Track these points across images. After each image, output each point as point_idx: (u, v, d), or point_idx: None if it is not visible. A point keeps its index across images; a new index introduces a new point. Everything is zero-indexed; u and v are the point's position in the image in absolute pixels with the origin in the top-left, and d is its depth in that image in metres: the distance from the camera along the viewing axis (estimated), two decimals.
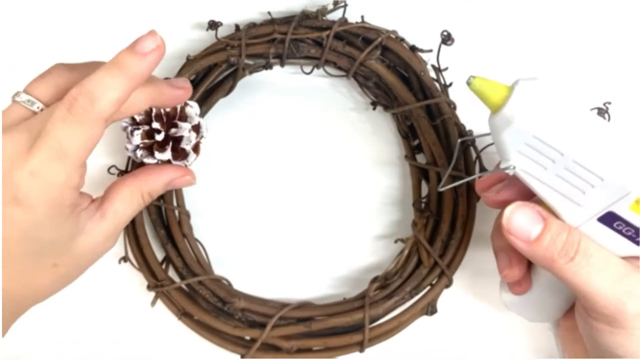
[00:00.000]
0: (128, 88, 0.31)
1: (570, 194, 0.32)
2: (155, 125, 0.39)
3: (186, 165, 0.40)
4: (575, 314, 0.37)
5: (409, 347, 0.46)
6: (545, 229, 0.32)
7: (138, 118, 0.39)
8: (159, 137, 0.39)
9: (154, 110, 0.39)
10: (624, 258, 0.33)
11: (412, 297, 0.44)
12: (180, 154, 0.39)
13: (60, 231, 0.32)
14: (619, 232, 0.32)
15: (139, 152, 0.39)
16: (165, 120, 0.40)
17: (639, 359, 0.33)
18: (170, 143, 0.39)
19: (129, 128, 0.39)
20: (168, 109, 0.39)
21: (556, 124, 0.30)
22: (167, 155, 0.39)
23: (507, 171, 0.32)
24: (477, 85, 0.31)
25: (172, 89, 0.35)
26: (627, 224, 0.32)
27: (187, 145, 0.39)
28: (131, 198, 0.36)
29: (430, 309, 0.44)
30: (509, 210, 0.32)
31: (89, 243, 0.34)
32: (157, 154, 0.39)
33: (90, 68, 0.32)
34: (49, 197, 0.30)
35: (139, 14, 0.48)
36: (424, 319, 0.44)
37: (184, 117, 0.40)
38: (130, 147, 0.40)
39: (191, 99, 0.43)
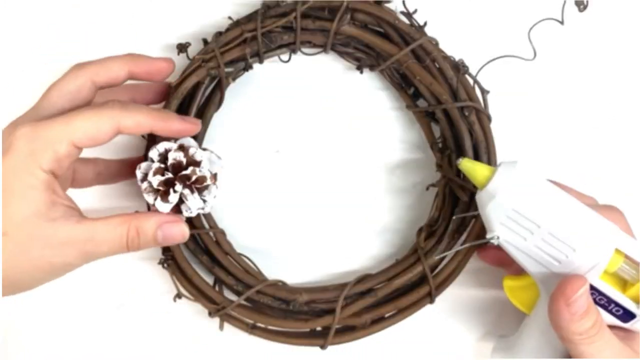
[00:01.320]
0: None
1: (548, 264, 0.36)
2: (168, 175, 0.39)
3: (205, 201, 0.39)
4: None
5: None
6: (587, 310, 0.35)
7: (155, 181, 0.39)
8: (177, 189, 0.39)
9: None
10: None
11: (461, 234, 0.44)
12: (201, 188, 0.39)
13: (24, 193, 0.33)
14: (595, 301, 0.36)
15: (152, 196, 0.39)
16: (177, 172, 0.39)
17: None
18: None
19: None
20: (178, 159, 0.39)
21: (533, 199, 0.35)
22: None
23: (492, 241, 0.37)
24: (465, 166, 0.38)
25: (152, 59, 0.39)
26: (599, 292, 0.36)
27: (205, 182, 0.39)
28: (116, 226, 0.35)
29: (485, 239, 0.44)
30: (580, 292, 0.35)
31: (50, 235, 0.34)
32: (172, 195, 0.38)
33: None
34: None
35: (107, 49, 0.48)
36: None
37: (194, 164, 0.40)
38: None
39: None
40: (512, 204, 0.35)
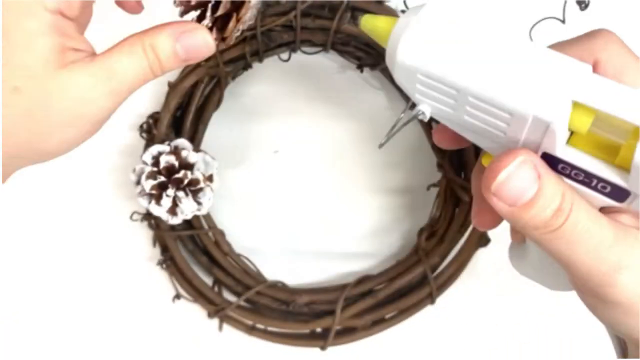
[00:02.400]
0: None
1: (492, 137, 0.26)
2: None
3: (200, 203, 0.39)
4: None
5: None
6: (539, 193, 0.25)
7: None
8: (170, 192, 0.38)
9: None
10: (603, 211, 0.27)
11: (462, 234, 0.44)
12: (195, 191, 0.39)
13: (28, 41, 0.28)
14: (569, 177, 0.26)
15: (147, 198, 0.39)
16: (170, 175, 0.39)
17: None
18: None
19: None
20: (170, 162, 0.38)
21: (442, 54, 0.25)
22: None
23: (420, 117, 0.27)
24: (365, 24, 0.28)
25: None
26: (571, 166, 0.25)
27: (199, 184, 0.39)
28: (130, 48, 0.30)
29: (484, 241, 0.44)
30: (507, 171, 0.25)
31: (68, 85, 0.28)
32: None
33: None
34: None
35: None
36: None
37: (187, 166, 0.39)
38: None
39: (184, 121, 0.42)
40: (414, 63, 0.25)
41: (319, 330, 0.45)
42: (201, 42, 0.31)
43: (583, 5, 0.45)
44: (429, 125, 0.46)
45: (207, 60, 0.44)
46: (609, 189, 0.25)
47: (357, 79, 0.48)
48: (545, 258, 0.29)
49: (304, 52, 0.47)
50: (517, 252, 0.34)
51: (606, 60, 0.27)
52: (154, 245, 0.47)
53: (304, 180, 0.48)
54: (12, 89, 0.28)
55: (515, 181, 0.25)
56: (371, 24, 0.27)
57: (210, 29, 0.31)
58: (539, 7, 0.44)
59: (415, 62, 0.25)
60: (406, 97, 0.46)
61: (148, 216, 0.45)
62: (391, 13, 0.44)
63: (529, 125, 0.24)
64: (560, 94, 0.23)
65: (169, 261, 0.45)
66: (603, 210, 0.26)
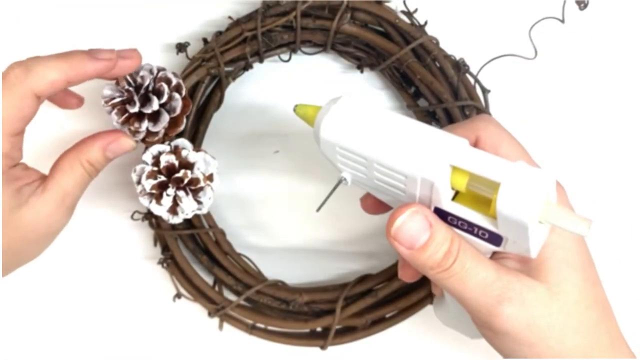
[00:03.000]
0: (67, 75, 0.34)
1: (397, 195, 0.32)
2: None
3: (200, 203, 0.40)
4: None
5: None
6: (430, 239, 0.30)
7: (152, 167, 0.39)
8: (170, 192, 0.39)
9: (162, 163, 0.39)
10: (492, 257, 0.32)
11: None
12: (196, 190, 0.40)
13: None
14: (457, 227, 0.31)
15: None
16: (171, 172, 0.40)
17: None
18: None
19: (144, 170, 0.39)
20: (170, 161, 0.39)
21: (353, 131, 0.32)
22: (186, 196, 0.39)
23: (343, 183, 0.34)
24: (298, 111, 0.35)
25: (93, 63, 0.36)
26: (456, 217, 0.31)
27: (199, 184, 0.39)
28: (70, 168, 0.37)
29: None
30: (401, 219, 0.30)
31: (33, 216, 0.35)
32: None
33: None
34: None
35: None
36: None
37: (187, 166, 0.40)
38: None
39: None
40: (333, 138, 0.32)
41: (319, 329, 0.45)
42: (125, 146, 0.39)
43: (582, 5, 0.45)
44: (428, 124, 0.46)
45: (208, 60, 0.44)
46: (487, 235, 0.30)
47: (357, 80, 0.48)
48: (460, 308, 0.34)
49: (304, 53, 0.47)
50: (439, 305, 0.40)
51: (485, 137, 0.33)
52: (155, 244, 0.47)
53: (304, 180, 0.48)
54: None
55: (409, 227, 0.30)
56: (303, 111, 0.35)
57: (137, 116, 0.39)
58: (538, 7, 0.44)
59: (333, 138, 0.32)
60: (407, 98, 0.46)
61: (149, 215, 0.45)
62: (391, 13, 0.44)
63: (419, 184, 0.30)
64: (441, 160, 0.29)
65: (169, 260, 0.46)
66: (493, 257, 0.32)
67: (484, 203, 0.31)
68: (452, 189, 0.30)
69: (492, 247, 0.31)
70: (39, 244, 0.38)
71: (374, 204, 0.37)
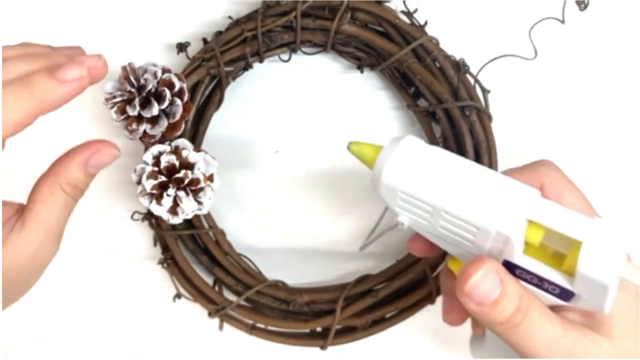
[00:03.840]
0: (33, 112, 0.29)
1: (462, 245, 0.31)
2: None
3: (200, 203, 0.40)
4: None
5: None
6: (502, 295, 0.29)
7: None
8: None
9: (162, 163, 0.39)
10: (553, 308, 0.31)
11: None
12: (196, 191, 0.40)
13: None
14: (525, 280, 0.30)
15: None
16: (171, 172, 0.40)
17: None
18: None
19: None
20: (171, 161, 0.39)
21: (419, 177, 0.30)
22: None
23: (399, 227, 0.32)
24: (353, 149, 0.33)
25: (61, 86, 0.30)
26: (526, 271, 0.30)
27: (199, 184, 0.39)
28: (51, 196, 0.32)
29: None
30: (477, 276, 0.29)
31: (14, 258, 0.31)
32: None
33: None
34: None
35: (109, 51, 0.48)
36: None
37: (188, 166, 0.40)
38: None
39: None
40: (397, 184, 0.30)
41: (319, 329, 0.45)
42: (107, 157, 0.33)
43: (582, 5, 0.45)
44: (428, 125, 0.47)
45: (208, 60, 0.44)
46: (557, 290, 0.30)
47: (357, 80, 0.48)
48: (502, 349, 0.34)
49: (304, 53, 0.47)
50: (477, 344, 0.39)
51: (549, 184, 0.33)
52: (155, 244, 0.47)
53: (305, 180, 0.48)
54: None
55: (484, 285, 0.29)
56: (359, 150, 0.33)
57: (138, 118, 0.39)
58: (538, 8, 0.44)
59: (398, 184, 0.30)
60: (407, 99, 0.46)
61: (149, 215, 0.45)
62: (391, 13, 0.44)
63: (492, 237, 0.29)
64: (517, 214, 0.29)
65: (169, 260, 0.45)
66: (553, 308, 0.31)
67: (556, 257, 0.30)
68: (525, 242, 0.30)
69: (560, 302, 0.30)
70: (30, 279, 0.34)
71: (425, 247, 0.36)
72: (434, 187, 0.30)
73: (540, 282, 0.30)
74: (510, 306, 0.29)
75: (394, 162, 0.31)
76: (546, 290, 0.30)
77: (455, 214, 0.29)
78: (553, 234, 0.29)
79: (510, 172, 0.34)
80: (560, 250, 0.30)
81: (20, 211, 0.32)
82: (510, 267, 0.30)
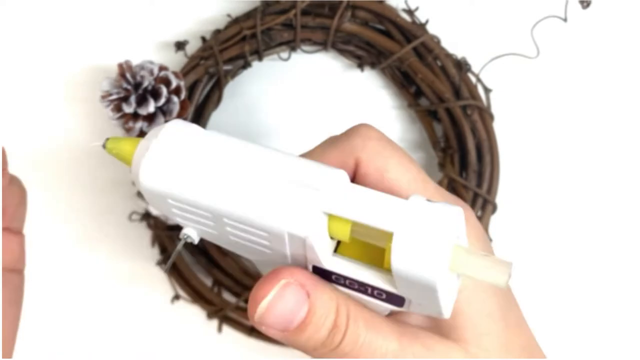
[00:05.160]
0: None
1: (263, 255, 0.24)
2: None
3: None
4: None
5: None
6: (310, 314, 0.23)
7: None
8: None
9: None
10: (394, 314, 0.25)
11: None
12: None
13: None
14: (345, 285, 0.24)
15: None
16: None
17: None
18: None
19: None
20: None
21: (186, 176, 0.23)
22: None
23: (188, 240, 0.25)
24: (110, 147, 0.25)
25: None
26: (342, 276, 0.23)
27: None
28: None
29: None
30: (266, 301, 0.22)
31: None
32: None
33: None
34: None
35: (107, 49, 0.47)
36: None
37: None
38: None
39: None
40: (158, 187, 0.23)
41: None
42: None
43: (585, 3, 0.44)
44: (430, 124, 0.46)
45: (206, 59, 0.44)
46: (384, 295, 0.23)
47: (358, 78, 0.47)
48: None
49: (304, 51, 0.46)
50: None
51: (367, 159, 0.26)
52: (153, 245, 0.46)
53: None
54: None
55: (281, 307, 0.22)
56: (115, 146, 0.25)
57: (134, 116, 0.37)
58: (540, 6, 0.44)
59: (160, 188, 0.23)
60: (408, 98, 0.46)
61: (146, 216, 0.45)
62: (392, 11, 0.44)
63: (287, 241, 0.22)
64: (313, 208, 0.22)
65: (168, 261, 0.45)
66: (395, 313, 0.25)
67: (375, 253, 0.23)
68: (333, 238, 0.23)
69: (393, 308, 0.24)
70: None
71: None
72: (206, 187, 0.23)
73: (362, 288, 0.23)
74: (323, 325, 0.23)
75: (151, 159, 0.23)
76: (372, 296, 0.23)
77: (236, 217, 0.22)
78: (362, 226, 0.22)
79: (319, 149, 0.28)
80: (378, 244, 0.23)
81: None
82: (324, 272, 0.24)
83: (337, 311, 0.23)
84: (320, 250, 0.22)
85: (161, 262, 0.45)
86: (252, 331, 0.45)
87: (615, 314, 0.47)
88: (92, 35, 0.47)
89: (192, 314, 0.46)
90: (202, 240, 0.45)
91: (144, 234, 0.47)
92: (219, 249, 0.45)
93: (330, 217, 0.22)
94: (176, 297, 0.45)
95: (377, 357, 0.23)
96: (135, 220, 0.46)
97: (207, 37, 0.45)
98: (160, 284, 0.46)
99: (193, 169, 0.23)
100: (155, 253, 0.46)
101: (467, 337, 0.25)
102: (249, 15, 0.45)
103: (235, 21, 0.45)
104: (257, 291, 0.23)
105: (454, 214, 0.21)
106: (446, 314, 0.23)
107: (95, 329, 0.47)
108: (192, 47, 0.45)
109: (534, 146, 0.47)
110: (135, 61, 0.40)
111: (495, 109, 0.44)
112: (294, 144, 0.47)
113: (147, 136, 0.24)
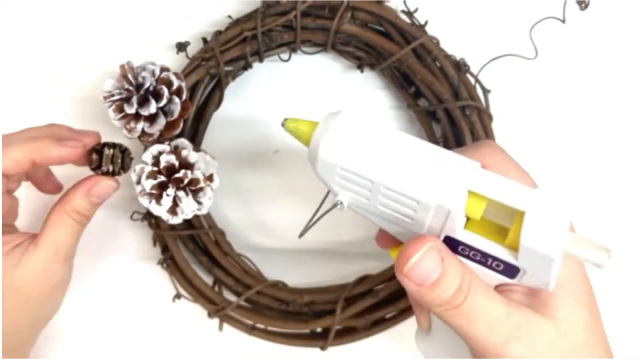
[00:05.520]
0: (32, 157, 0.36)
1: (403, 223, 0.29)
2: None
3: (200, 203, 0.40)
4: None
5: None
6: (442, 275, 0.28)
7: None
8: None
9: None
10: (498, 289, 0.30)
11: None
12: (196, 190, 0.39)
13: None
14: (468, 257, 0.29)
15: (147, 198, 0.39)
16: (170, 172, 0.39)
17: None
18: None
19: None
20: (170, 161, 0.39)
21: (359, 152, 0.29)
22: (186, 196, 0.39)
23: (337, 208, 0.31)
24: (289, 126, 0.32)
25: (59, 149, 0.37)
26: (469, 247, 0.29)
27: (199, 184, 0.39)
28: (59, 221, 0.37)
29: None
30: (417, 257, 0.28)
31: (28, 273, 0.37)
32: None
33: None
34: None
35: (109, 50, 0.48)
36: None
37: (187, 166, 0.39)
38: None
39: (184, 121, 0.42)
40: (334, 159, 0.29)
41: (319, 330, 0.45)
42: (106, 188, 0.38)
43: (583, 5, 0.45)
44: (429, 125, 0.46)
45: (208, 60, 0.44)
46: (502, 266, 0.29)
47: (357, 79, 0.48)
48: (447, 345, 0.34)
49: (304, 52, 0.47)
50: (423, 339, 0.38)
51: (492, 165, 0.31)
52: (154, 244, 0.47)
53: (305, 180, 0.48)
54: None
55: (423, 265, 0.28)
56: (294, 125, 0.31)
57: (136, 116, 0.39)
58: (539, 7, 0.44)
59: (335, 159, 0.29)
60: (408, 98, 0.46)
61: (148, 216, 0.45)
62: (391, 13, 0.44)
63: (432, 212, 0.28)
64: (458, 185, 0.27)
65: (169, 261, 0.45)
66: (497, 288, 0.30)
67: (499, 232, 0.29)
68: (466, 217, 0.28)
69: (504, 279, 0.29)
70: (49, 299, 0.39)
71: (389, 240, 0.35)
72: (372, 161, 0.28)
73: (483, 259, 0.29)
74: (451, 287, 0.28)
75: (332, 136, 0.29)
76: (490, 267, 0.29)
77: (394, 188, 0.28)
78: (495, 205, 0.28)
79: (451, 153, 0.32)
80: (503, 224, 0.28)
81: (32, 237, 0.38)
82: (453, 243, 0.29)
83: (462, 277, 0.29)
84: (458, 222, 0.28)
85: (162, 261, 0.45)
86: (253, 330, 0.45)
87: (615, 314, 0.47)
88: (94, 37, 0.47)
89: (193, 312, 0.46)
90: (202, 240, 0.45)
91: (146, 233, 0.47)
92: (220, 248, 0.45)
93: (470, 194, 0.28)
94: (177, 295, 0.45)
95: (487, 319, 0.28)
96: (137, 220, 0.46)
97: (208, 38, 0.46)
98: (161, 282, 0.47)
99: (364, 147, 0.29)
100: (156, 252, 0.46)
101: (558, 316, 0.29)
102: (249, 16, 0.45)
103: (236, 22, 0.45)
104: (408, 249, 0.28)
105: (569, 205, 0.27)
106: (552, 285, 0.28)
107: (96, 327, 0.47)
108: (194, 48, 0.46)
109: (533, 146, 0.47)
110: (137, 62, 0.40)
111: (493, 110, 0.45)
112: (294, 143, 0.47)
113: (324, 119, 0.30)
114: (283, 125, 0.32)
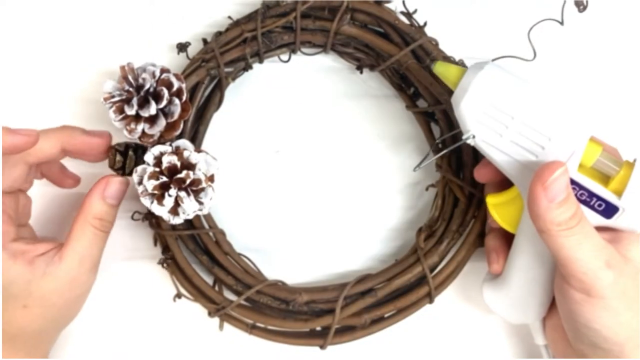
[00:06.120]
0: (62, 144, 0.38)
1: (525, 160, 0.35)
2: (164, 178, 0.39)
3: (201, 203, 0.40)
4: (555, 293, 0.38)
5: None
6: (567, 198, 0.33)
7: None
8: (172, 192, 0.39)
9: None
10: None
11: (460, 234, 0.44)
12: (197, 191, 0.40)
13: (11, 277, 0.36)
14: (575, 197, 0.35)
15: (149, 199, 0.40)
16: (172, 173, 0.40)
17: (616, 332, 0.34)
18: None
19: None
20: (172, 162, 0.39)
21: (504, 90, 0.35)
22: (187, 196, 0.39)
23: (468, 141, 0.36)
24: (439, 69, 0.38)
25: (88, 137, 0.39)
26: (580, 186, 0.35)
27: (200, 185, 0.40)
28: (82, 231, 0.38)
29: (482, 240, 0.44)
30: (558, 172, 0.33)
31: (54, 285, 0.37)
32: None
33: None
34: None
35: (109, 51, 0.48)
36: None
37: (189, 167, 0.40)
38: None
39: (185, 122, 0.43)
40: (486, 95, 0.35)
41: (318, 328, 0.45)
42: (117, 184, 0.40)
43: (581, 7, 0.45)
44: (427, 125, 0.47)
45: (208, 61, 0.45)
46: (603, 206, 0.35)
47: (357, 80, 0.48)
48: (520, 294, 0.39)
49: (304, 53, 0.47)
50: (492, 286, 0.42)
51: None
52: (155, 244, 0.47)
53: (305, 180, 0.48)
54: (23, 306, 0.37)
55: (560, 182, 0.33)
56: (444, 68, 0.37)
57: (136, 118, 0.39)
58: (537, 9, 0.45)
59: (487, 95, 0.35)
60: (406, 99, 0.46)
61: (149, 215, 0.45)
62: (390, 14, 0.44)
63: (559, 150, 0.34)
64: (584, 130, 0.34)
65: (169, 260, 0.46)
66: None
67: (602, 178, 0.35)
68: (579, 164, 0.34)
69: (600, 219, 0.35)
70: (73, 305, 0.40)
71: (490, 173, 0.40)
72: (517, 100, 0.34)
73: (589, 198, 0.35)
74: (570, 210, 0.33)
75: (485, 76, 0.35)
76: (592, 207, 0.35)
77: (533, 125, 0.34)
78: (604, 155, 0.34)
79: None
80: (609, 172, 0.35)
81: (58, 247, 0.38)
82: None
83: (578, 206, 0.34)
84: (576, 162, 0.34)
85: (162, 261, 0.46)
86: (253, 329, 0.46)
87: None
88: (95, 38, 0.47)
89: (194, 312, 0.47)
90: (203, 240, 0.46)
91: (146, 233, 0.47)
92: (220, 248, 0.45)
93: (590, 140, 0.34)
94: (178, 295, 0.46)
95: (593, 243, 0.34)
96: (138, 220, 0.46)
97: (209, 39, 0.46)
98: (162, 282, 0.47)
99: (510, 88, 0.35)
100: (157, 252, 0.47)
101: (633, 259, 0.35)
102: (249, 17, 0.45)
103: (236, 23, 0.45)
104: (551, 166, 0.33)
105: None
106: None
107: (97, 327, 0.48)
108: (194, 49, 0.46)
109: None
110: (137, 63, 0.40)
111: None
112: (294, 144, 0.48)
113: (472, 67, 0.36)
114: (432, 67, 0.38)
